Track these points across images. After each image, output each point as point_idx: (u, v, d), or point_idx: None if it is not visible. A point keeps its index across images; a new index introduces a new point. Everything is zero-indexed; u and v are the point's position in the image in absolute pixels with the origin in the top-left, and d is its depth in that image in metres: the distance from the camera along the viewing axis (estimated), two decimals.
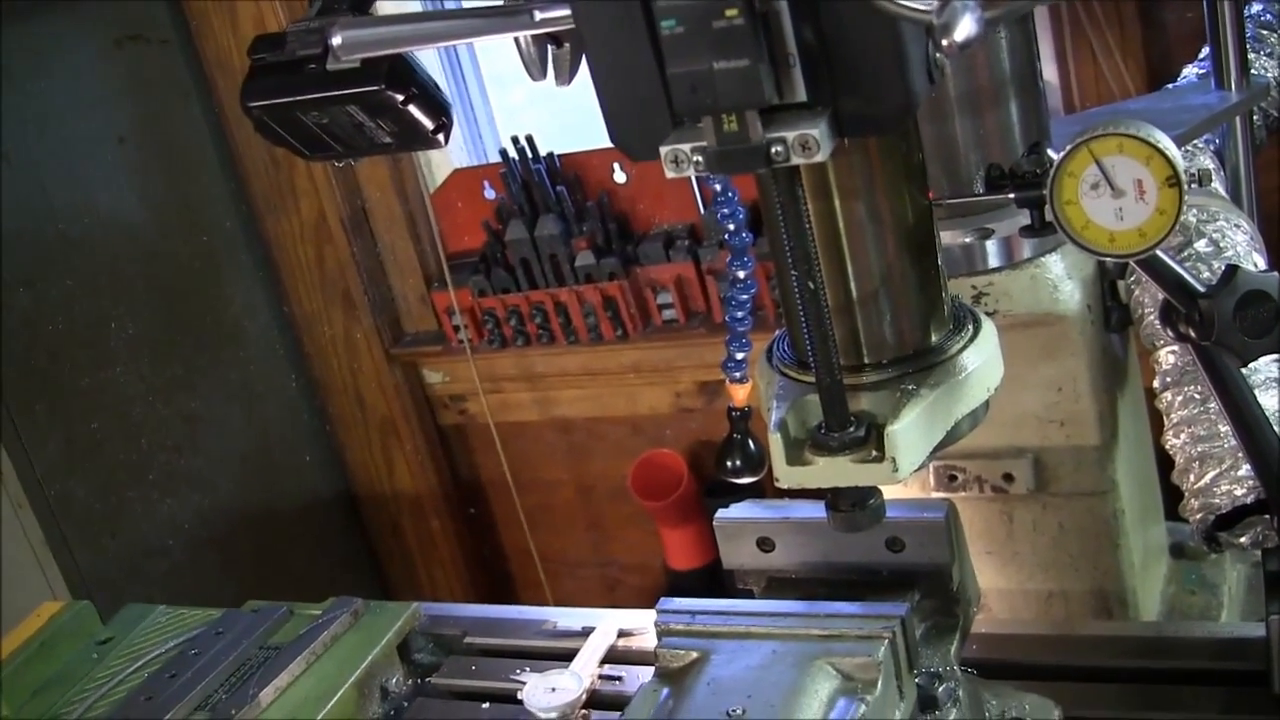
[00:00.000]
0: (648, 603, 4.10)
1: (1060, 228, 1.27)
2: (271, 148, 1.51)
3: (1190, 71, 2.23)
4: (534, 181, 3.48)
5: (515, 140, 3.45)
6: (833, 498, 1.28)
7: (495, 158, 3.60)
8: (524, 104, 4.06)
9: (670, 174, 1.08)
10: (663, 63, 1.04)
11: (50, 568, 3.12)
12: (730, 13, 0.99)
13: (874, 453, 1.21)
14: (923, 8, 0.92)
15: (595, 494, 4.01)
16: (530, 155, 3.46)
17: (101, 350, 3.38)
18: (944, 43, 0.88)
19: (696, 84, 1.03)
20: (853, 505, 1.27)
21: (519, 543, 4.04)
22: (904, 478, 1.21)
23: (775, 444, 1.24)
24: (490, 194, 3.64)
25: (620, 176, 3.50)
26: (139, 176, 3.51)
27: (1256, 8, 2.27)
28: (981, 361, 1.28)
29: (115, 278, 3.42)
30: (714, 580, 3.70)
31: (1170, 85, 2.24)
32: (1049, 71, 2.93)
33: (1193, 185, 1.24)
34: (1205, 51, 2.15)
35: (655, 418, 3.76)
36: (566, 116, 3.64)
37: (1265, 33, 2.24)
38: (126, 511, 3.41)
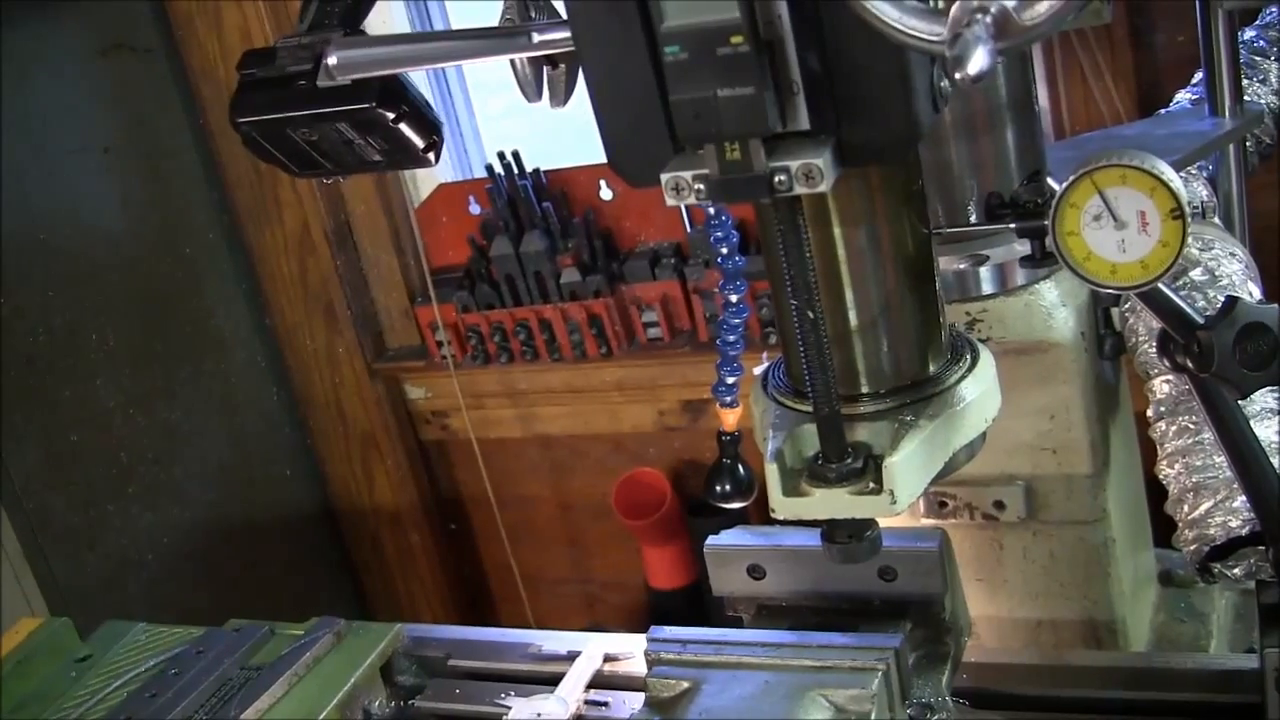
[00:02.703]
0: (628, 620, 4.09)
1: (1062, 259, 1.26)
2: (256, 158, 1.49)
3: (1183, 97, 2.22)
4: (520, 197, 3.47)
5: (501, 156, 3.44)
6: (829, 529, 1.26)
7: (481, 172, 3.59)
8: (504, 112, 4.06)
9: (671, 201, 1.07)
10: (665, 89, 1.03)
11: (28, 581, 3.09)
12: (735, 40, 0.97)
13: (872, 484, 1.20)
14: (934, 37, 0.90)
15: (576, 511, 4.00)
16: (516, 171, 3.45)
17: (82, 361, 3.35)
18: (956, 75, 0.87)
19: (700, 111, 1.01)
20: (849, 537, 1.26)
21: (499, 559, 4.03)
22: (902, 510, 1.19)
23: (771, 474, 1.22)
24: (475, 209, 3.63)
25: (606, 193, 3.49)
26: (122, 186, 3.49)
27: (1250, 34, 2.27)
28: (980, 392, 1.27)
29: (97, 288, 3.40)
30: (695, 599, 3.69)
31: (1163, 110, 2.23)
32: (1040, 94, 2.93)
33: (1195, 217, 1.23)
34: (1198, 77, 2.15)
35: (638, 436, 3.75)
36: (548, 124, 3.63)
37: (1259, 59, 2.23)
38: (106, 524, 3.38)
